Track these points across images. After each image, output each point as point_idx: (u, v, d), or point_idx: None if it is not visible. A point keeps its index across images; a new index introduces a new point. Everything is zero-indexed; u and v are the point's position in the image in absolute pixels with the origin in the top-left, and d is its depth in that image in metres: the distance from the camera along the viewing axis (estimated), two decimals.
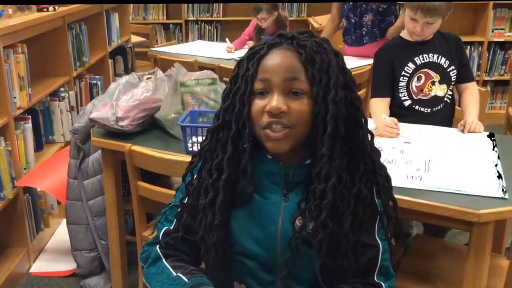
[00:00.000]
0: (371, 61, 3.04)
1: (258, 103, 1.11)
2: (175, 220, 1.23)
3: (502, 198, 1.63)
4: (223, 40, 5.09)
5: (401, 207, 1.63)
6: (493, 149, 1.99)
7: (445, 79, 2.37)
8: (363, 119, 1.16)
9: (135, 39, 5.28)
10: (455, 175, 1.78)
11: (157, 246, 1.21)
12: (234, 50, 3.96)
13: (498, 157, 1.92)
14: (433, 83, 2.37)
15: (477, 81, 4.91)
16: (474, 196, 1.65)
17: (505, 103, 5.12)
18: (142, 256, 1.24)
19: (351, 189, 1.12)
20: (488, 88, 5.09)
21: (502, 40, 4.90)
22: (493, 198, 1.63)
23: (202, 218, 1.17)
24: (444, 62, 2.35)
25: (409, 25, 2.30)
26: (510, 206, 1.58)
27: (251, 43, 3.94)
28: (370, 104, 2.40)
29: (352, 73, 1.18)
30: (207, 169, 1.17)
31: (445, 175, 1.78)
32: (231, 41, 4.15)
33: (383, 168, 1.23)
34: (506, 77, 5.02)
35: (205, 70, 2.28)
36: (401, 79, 2.36)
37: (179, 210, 1.23)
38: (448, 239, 2.75)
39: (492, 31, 4.88)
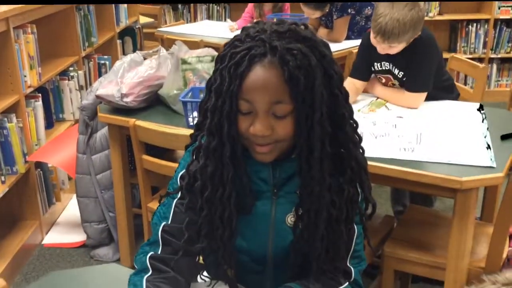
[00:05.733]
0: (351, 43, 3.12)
1: (244, 121, 1.09)
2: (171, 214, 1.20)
3: (490, 167, 1.71)
4: (232, 20, 5.15)
5: (389, 176, 1.74)
6: (482, 122, 2.05)
7: (403, 85, 2.32)
8: (348, 122, 1.13)
9: (143, 20, 5.35)
10: (446, 146, 1.86)
11: (148, 256, 1.17)
12: (237, 29, 4.04)
13: (487, 129, 1.98)
14: (393, 84, 2.36)
15: (483, 59, 4.95)
16: (463, 166, 1.72)
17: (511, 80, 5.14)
18: (136, 258, 1.20)
19: (342, 194, 1.13)
20: (495, 66, 5.11)
21: (508, 17, 4.89)
22: (482, 168, 1.71)
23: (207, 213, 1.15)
24: (398, 73, 2.29)
25: (373, 40, 2.19)
26: (492, 174, 1.66)
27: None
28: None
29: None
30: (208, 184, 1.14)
31: (436, 147, 1.85)
32: (234, 21, 4.22)
33: (364, 159, 1.20)
34: None
35: (206, 48, 2.36)
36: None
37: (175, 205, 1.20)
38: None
39: (499, 8, 4.86)
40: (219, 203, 1.13)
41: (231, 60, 1.06)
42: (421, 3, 2.16)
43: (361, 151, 1.18)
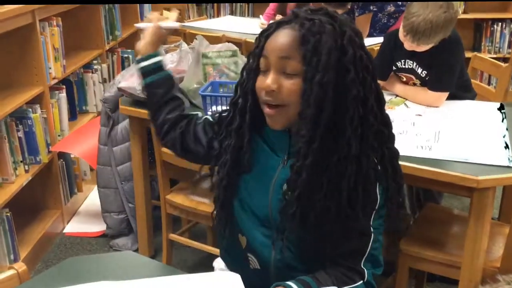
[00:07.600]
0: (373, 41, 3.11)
1: (260, 80, 1.19)
2: None
3: (508, 166, 1.69)
4: (254, 16, 5.17)
5: (406, 173, 1.73)
6: (502, 121, 2.04)
7: (425, 84, 2.30)
8: (355, 102, 1.14)
9: (167, 15, 5.39)
10: (464, 145, 1.85)
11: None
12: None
13: (507, 129, 1.97)
14: (414, 83, 2.34)
15: (508, 59, 4.86)
16: (481, 165, 1.71)
17: None
18: None
19: (326, 168, 1.16)
20: None
21: None
22: (500, 167, 1.70)
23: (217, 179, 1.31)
24: (421, 72, 2.27)
25: (402, 37, 2.17)
26: (510, 173, 1.65)
27: (280, 17, 4.00)
28: None
29: None
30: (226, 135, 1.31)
31: (454, 145, 1.85)
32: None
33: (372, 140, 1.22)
34: None
35: (226, 43, 2.38)
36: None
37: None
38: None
39: None
40: (223, 152, 1.30)
41: (267, 30, 1.21)
42: (455, 4, 2.10)
43: (371, 138, 1.21)
